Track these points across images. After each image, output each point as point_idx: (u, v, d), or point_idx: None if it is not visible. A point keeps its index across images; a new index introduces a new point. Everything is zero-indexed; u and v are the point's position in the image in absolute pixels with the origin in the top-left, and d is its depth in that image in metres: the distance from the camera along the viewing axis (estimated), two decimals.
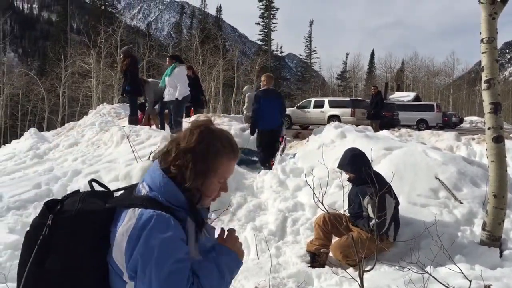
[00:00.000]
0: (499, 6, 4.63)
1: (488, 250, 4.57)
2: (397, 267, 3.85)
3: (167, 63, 10.00)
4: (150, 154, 6.75)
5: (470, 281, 3.21)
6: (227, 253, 1.53)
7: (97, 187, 1.60)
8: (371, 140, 7.08)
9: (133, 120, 10.71)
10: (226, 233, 1.62)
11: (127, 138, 7.96)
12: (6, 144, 13.66)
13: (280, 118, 8.23)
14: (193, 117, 11.14)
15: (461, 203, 5.40)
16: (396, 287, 3.70)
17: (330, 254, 4.75)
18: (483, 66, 4.72)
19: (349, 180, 4.85)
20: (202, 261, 1.47)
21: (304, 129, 20.55)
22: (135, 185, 1.55)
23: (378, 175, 4.63)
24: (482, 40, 4.70)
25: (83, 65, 38.19)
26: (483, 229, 4.72)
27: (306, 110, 23.22)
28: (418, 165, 6.14)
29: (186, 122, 9.21)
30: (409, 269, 3.48)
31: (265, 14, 66.77)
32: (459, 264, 3.66)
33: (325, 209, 3.90)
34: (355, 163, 4.75)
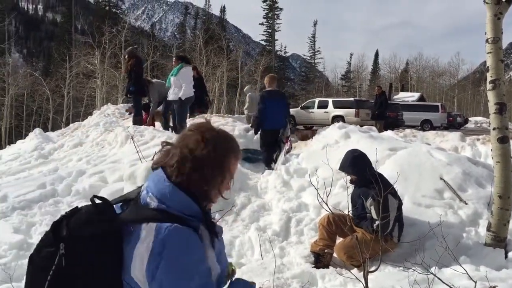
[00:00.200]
0: (504, 6, 4.61)
1: (493, 251, 4.55)
2: (401, 268, 3.83)
3: (173, 63, 10.02)
4: (155, 154, 6.75)
5: (475, 282, 3.20)
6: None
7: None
8: (376, 141, 7.07)
9: (137, 120, 10.72)
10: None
11: (132, 138, 7.97)
12: (11, 144, 13.71)
13: (284, 119, 8.23)
14: (197, 118, 11.15)
15: (466, 203, 5.38)
16: None
17: (334, 254, 4.74)
18: (488, 67, 4.70)
19: (351, 182, 4.84)
20: None
21: (308, 129, 20.53)
22: (136, 195, 1.50)
23: (380, 176, 4.62)
24: (487, 40, 4.68)
25: (88, 66, 38.33)
26: (488, 230, 4.70)
27: (310, 110, 23.19)
28: (422, 165, 6.12)
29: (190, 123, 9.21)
30: (414, 270, 3.46)
31: (269, 15, 66.85)
32: (464, 265, 3.65)
33: (329, 209, 3.89)
34: (356, 165, 4.74)
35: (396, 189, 4.56)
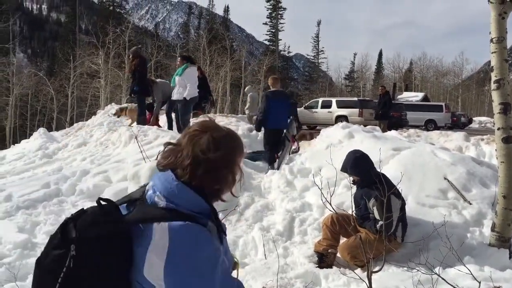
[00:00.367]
0: (508, 5, 4.60)
1: (497, 251, 4.54)
2: (405, 268, 3.83)
3: (178, 63, 10.05)
4: (159, 154, 6.76)
5: (480, 283, 3.19)
6: None
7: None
8: (379, 141, 7.06)
9: (141, 120, 10.75)
10: None
11: (135, 138, 8.00)
12: (16, 144, 13.78)
13: (287, 119, 8.30)
14: (200, 118, 11.17)
15: (470, 204, 5.37)
16: None
17: (338, 254, 4.74)
18: (492, 66, 4.68)
19: (354, 182, 4.84)
20: None
21: (312, 129, 20.52)
22: (141, 195, 1.50)
23: (382, 176, 4.61)
24: (491, 40, 4.67)
25: (92, 66, 38.41)
26: (492, 230, 4.69)
27: (313, 110, 23.16)
28: (426, 165, 6.11)
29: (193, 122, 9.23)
30: (418, 270, 3.46)
31: (273, 14, 66.81)
32: (468, 265, 3.64)
33: (333, 209, 3.89)
34: (358, 166, 4.73)
35: (399, 189, 4.55)
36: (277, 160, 8.20)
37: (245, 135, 9.41)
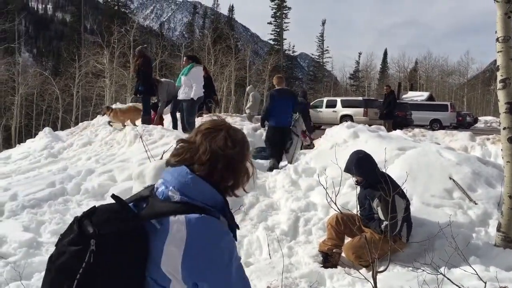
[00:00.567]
0: None
1: (503, 251, 4.52)
2: (410, 268, 3.82)
3: (184, 62, 10.07)
4: (163, 153, 6.78)
5: (485, 283, 3.17)
6: None
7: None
8: (384, 140, 7.04)
9: (146, 119, 10.77)
10: None
11: (140, 137, 8.02)
12: (21, 143, 13.83)
13: (292, 117, 8.37)
14: (205, 117, 11.19)
15: (476, 204, 5.34)
16: None
17: (343, 254, 4.73)
18: (498, 65, 4.66)
19: (357, 183, 4.83)
20: None
21: (317, 129, 20.51)
22: (149, 193, 1.52)
23: (386, 176, 4.59)
24: (497, 39, 4.65)
25: (97, 65, 38.54)
26: (498, 230, 4.67)
27: (318, 110, 23.16)
28: (432, 165, 6.08)
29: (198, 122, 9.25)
30: (423, 270, 3.44)
31: (277, 14, 66.73)
32: (473, 266, 3.62)
33: (338, 209, 3.88)
34: (361, 166, 4.72)
35: (404, 189, 4.54)
36: (283, 155, 8.31)
37: (250, 135, 9.43)
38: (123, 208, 1.44)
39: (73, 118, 39.87)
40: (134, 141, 9.01)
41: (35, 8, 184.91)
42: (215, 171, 1.50)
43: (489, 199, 5.42)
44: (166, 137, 8.85)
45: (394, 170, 5.59)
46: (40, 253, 4.84)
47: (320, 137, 8.95)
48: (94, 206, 1.44)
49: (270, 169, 7.78)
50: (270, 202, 6.23)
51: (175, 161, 1.55)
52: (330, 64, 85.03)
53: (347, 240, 4.78)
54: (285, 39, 68.16)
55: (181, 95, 9.61)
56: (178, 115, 10.74)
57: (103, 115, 12.85)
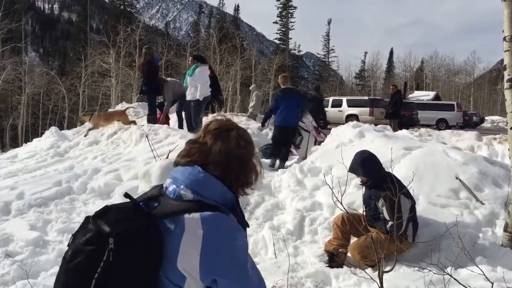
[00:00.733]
0: None
1: (510, 251, 4.49)
2: (417, 268, 3.81)
3: (189, 62, 10.07)
4: (169, 152, 6.80)
5: (492, 283, 3.16)
6: None
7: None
8: (390, 140, 7.01)
9: (151, 119, 10.79)
10: None
11: (146, 137, 8.04)
12: (28, 143, 13.85)
13: (297, 116, 8.41)
14: (210, 116, 11.19)
15: (483, 204, 5.32)
16: None
17: (348, 254, 4.72)
18: (505, 65, 4.64)
19: (362, 183, 4.81)
20: None
21: (322, 129, 20.47)
22: (158, 192, 1.52)
23: (391, 176, 4.58)
24: (504, 38, 4.62)
25: (103, 65, 38.60)
26: (505, 230, 4.64)
27: (324, 109, 23.11)
28: (438, 165, 6.05)
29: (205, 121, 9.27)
30: (429, 270, 3.43)
31: (283, 13, 66.61)
32: (480, 266, 3.60)
33: (344, 208, 3.87)
34: (366, 167, 4.71)
35: (410, 189, 4.52)
36: (292, 151, 8.50)
37: (255, 134, 9.43)
38: (136, 207, 1.44)
39: None
40: (140, 140, 9.03)
41: (42, 8, 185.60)
42: (230, 171, 1.52)
43: (496, 199, 5.39)
44: (171, 136, 8.87)
45: (400, 170, 5.57)
46: (46, 252, 4.87)
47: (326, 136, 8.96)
48: (106, 205, 1.44)
49: (272, 165, 8.00)
50: (276, 201, 6.23)
51: (186, 161, 1.54)
52: (336, 63, 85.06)
53: (353, 240, 4.78)
54: (291, 38, 68.10)
55: (188, 96, 9.66)
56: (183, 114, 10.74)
57: (82, 123, 12.88)
